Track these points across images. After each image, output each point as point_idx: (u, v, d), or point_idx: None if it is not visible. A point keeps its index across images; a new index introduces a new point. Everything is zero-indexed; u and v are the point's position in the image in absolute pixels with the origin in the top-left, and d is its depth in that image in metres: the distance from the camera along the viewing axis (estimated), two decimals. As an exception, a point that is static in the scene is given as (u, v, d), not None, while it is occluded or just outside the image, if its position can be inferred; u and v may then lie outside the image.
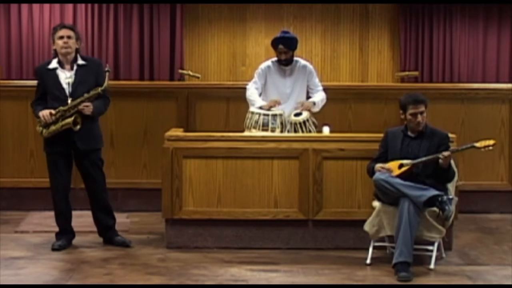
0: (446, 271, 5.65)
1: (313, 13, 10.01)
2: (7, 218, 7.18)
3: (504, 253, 6.16)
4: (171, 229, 6.23)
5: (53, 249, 6.06)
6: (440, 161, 5.55)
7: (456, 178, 5.90)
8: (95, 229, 6.46)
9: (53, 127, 5.99)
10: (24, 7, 9.61)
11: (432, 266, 5.65)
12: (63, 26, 6.18)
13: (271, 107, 6.62)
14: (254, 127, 6.53)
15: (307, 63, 6.93)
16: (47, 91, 6.08)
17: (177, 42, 9.79)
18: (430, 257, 5.67)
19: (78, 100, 5.97)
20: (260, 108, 6.63)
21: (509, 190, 7.60)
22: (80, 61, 6.10)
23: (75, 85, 6.02)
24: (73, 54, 6.08)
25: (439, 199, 5.52)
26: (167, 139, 6.25)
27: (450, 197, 5.64)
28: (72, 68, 6.07)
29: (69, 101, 5.98)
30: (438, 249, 5.78)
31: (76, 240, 6.25)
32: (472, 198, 7.38)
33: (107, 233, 6.28)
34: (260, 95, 6.87)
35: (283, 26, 9.15)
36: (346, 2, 9.95)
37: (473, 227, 7.04)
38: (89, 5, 9.72)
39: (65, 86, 6.04)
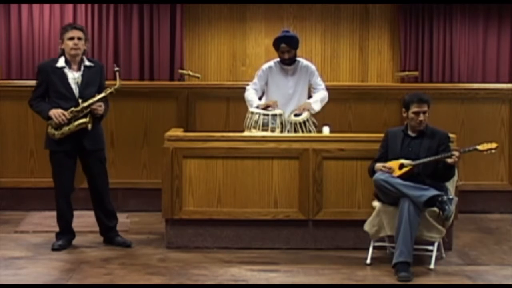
0: (446, 271, 5.66)
1: (313, 13, 10.01)
2: (7, 218, 7.18)
3: (504, 253, 6.16)
4: (171, 229, 6.23)
5: (53, 249, 6.06)
6: (450, 160, 5.55)
7: (456, 178, 5.90)
8: (95, 229, 6.46)
9: (66, 128, 5.99)
10: (24, 7, 9.60)
11: (432, 266, 5.65)
12: (73, 27, 6.17)
13: (268, 106, 6.61)
14: (254, 127, 6.53)
15: (309, 63, 6.93)
16: (52, 89, 6.07)
17: (177, 42, 9.78)
18: (430, 257, 5.67)
19: (91, 100, 6.00)
20: (257, 107, 6.63)
21: (509, 190, 7.60)
22: (87, 63, 6.12)
23: (83, 85, 6.04)
24: (81, 55, 6.09)
25: (439, 199, 5.52)
26: (167, 139, 6.25)
27: (450, 197, 5.65)
28: (79, 69, 6.09)
29: (80, 101, 5.99)
30: (438, 249, 5.79)
31: (76, 240, 6.25)
32: (472, 198, 7.38)
33: (108, 233, 6.29)
34: (261, 97, 6.87)
35: (283, 26, 9.14)
36: (346, 2, 9.94)
37: (473, 227, 7.04)
38: (89, 5, 9.71)
39: (73, 86, 6.05)
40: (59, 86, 6.04)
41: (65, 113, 5.96)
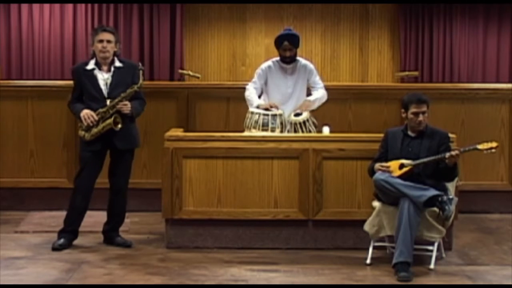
0: (446, 271, 5.65)
1: (313, 13, 10.01)
2: (7, 218, 7.18)
3: (504, 253, 6.16)
4: (171, 229, 6.23)
5: (54, 249, 6.06)
6: (447, 160, 5.55)
7: (456, 178, 5.90)
8: (95, 229, 6.47)
9: (95, 130, 6.02)
10: (24, 7, 9.61)
11: (432, 266, 5.65)
12: (104, 29, 6.19)
13: (269, 108, 6.61)
14: (254, 127, 6.53)
15: (308, 62, 6.93)
16: (84, 91, 6.12)
17: (177, 42, 9.79)
18: (430, 257, 5.67)
19: (116, 100, 6.02)
20: (257, 107, 6.63)
21: (509, 190, 7.60)
22: (117, 63, 6.15)
23: (112, 86, 6.07)
24: (111, 57, 6.11)
25: (439, 199, 5.52)
26: (167, 139, 6.25)
27: (450, 197, 5.64)
28: (109, 70, 6.12)
29: (108, 102, 6.03)
30: (438, 249, 5.79)
31: (76, 240, 6.25)
32: (472, 198, 7.38)
33: (110, 232, 6.30)
34: (260, 95, 6.87)
35: (283, 26, 9.12)
36: (346, 2, 9.95)
37: (473, 227, 7.04)
38: (89, 5, 9.72)
39: (102, 87, 6.08)
40: (89, 88, 6.09)
41: (94, 114, 5.99)
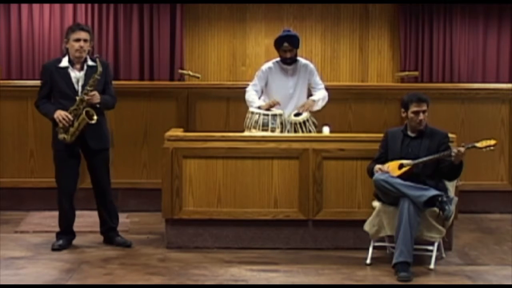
0: (446, 271, 5.66)
1: (313, 13, 10.02)
2: (7, 218, 7.18)
3: (504, 253, 6.16)
4: (171, 229, 6.23)
5: (53, 249, 6.06)
6: (453, 158, 5.53)
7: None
8: (95, 229, 6.46)
9: (72, 129, 5.98)
10: (24, 7, 9.61)
11: (432, 266, 5.65)
12: (81, 28, 6.13)
13: (270, 107, 6.62)
14: (254, 127, 6.53)
15: (308, 62, 6.93)
16: (55, 89, 6.07)
17: (177, 42, 9.79)
18: (430, 257, 5.67)
19: (82, 93, 5.97)
20: (259, 108, 6.63)
21: (509, 190, 7.60)
22: (90, 62, 6.10)
23: (85, 85, 6.02)
24: (84, 56, 6.09)
25: (439, 199, 5.52)
26: (167, 139, 6.25)
27: (450, 197, 5.65)
28: (82, 68, 6.08)
29: (77, 98, 5.98)
30: (438, 249, 5.79)
31: (76, 240, 6.25)
32: (472, 198, 7.38)
33: (109, 233, 6.29)
34: (260, 97, 6.87)
35: (283, 26, 9.14)
36: (346, 2, 9.95)
37: (473, 227, 7.05)
38: (89, 5, 9.72)
39: (76, 85, 6.04)
40: (62, 86, 6.04)
41: (68, 114, 5.95)
